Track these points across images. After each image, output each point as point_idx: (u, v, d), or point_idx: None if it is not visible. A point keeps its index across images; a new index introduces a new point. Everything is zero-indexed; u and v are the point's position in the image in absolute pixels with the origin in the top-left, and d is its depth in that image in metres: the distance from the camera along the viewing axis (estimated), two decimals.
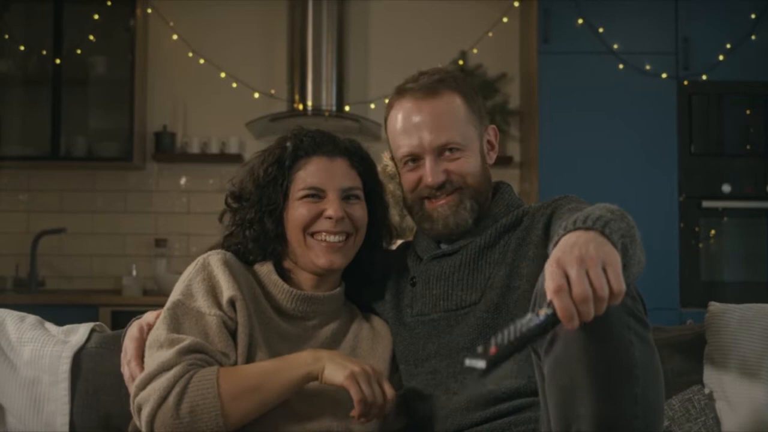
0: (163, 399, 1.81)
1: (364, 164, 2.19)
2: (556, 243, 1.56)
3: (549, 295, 1.42)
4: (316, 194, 2.09)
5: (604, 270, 1.44)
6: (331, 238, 2.08)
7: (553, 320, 1.41)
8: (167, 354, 1.87)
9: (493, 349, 1.37)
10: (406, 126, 2.13)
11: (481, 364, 1.36)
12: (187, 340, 1.90)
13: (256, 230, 2.10)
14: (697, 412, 2.19)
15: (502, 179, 2.31)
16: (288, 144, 2.13)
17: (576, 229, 1.56)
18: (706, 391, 2.23)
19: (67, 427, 2.20)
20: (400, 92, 2.17)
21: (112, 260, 5.79)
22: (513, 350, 1.38)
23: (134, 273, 5.59)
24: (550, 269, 1.44)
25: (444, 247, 2.17)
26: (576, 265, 1.43)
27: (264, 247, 2.12)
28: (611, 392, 1.57)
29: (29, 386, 2.22)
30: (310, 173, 2.10)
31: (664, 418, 1.69)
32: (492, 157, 2.22)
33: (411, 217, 2.23)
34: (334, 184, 2.10)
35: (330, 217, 2.06)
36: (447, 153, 2.11)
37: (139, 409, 1.85)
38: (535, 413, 1.88)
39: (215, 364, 1.90)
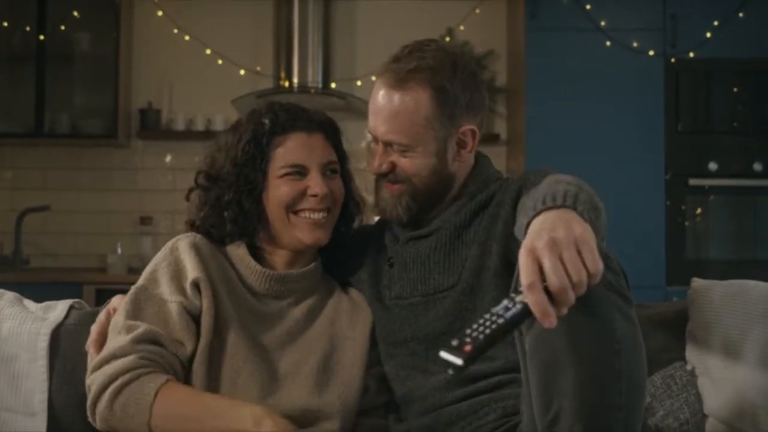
0: (105, 387, 1.82)
1: (336, 137, 2.17)
2: (528, 225, 1.55)
3: (523, 289, 1.39)
4: (299, 171, 2.06)
5: (579, 251, 1.42)
6: (315, 215, 2.06)
7: (527, 312, 1.39)
8: (121, 341, 1.88)
9: (468, 347, 1.34)
10: (372, 108, 2.10)
11: (458, 361, 1.33)
12: (142, 327, 1.89)
13: (234, 211, 2.07)
14: (678, 388, 2.19)
15: (489, 157, 2.27)
16: (265, 120, 2.09)
17: (545, 209, 1.55)
18: (688, 367, 2.23)
19: (45, 404, 2.18)
20: (381, 71, 2.10)
21: (97, 238, 5.77)
22: (488, 345, 1.36)
23: (119, 251, 5.56)
24: (522, 260, 1.42)
25: (420, 227, 2.14)
26: (548, 252, 1.40)
27: (242, 228, 2.09)
28: (594, 368, 1.56)
29: (7, 363, 2.20)
30: (290, 150, 2.07)
31: (647, 394, 1.68)
32: (464, 156, 2.11)
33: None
34: (315, 160, 2.07)
35: (315, 195, 2.04)
36: (394, 148, 2.06)
37: (88, 389, 1.86)
38: (514, 390, 1.88)
39: (168, 356, 1.89)
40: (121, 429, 1.82)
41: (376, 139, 2.10)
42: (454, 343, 1.36)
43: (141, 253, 5.52)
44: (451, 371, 1.35)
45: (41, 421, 2.18)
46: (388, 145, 2.07)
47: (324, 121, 2.15)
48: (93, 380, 1.85)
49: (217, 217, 2.09)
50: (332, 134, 2.15)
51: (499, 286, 1.93)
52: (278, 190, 2.06)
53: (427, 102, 2.03)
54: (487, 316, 1.40)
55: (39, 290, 2.88)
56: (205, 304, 1.96)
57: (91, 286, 5.01)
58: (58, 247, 5.76)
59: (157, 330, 1.90)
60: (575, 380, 1.56)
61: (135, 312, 1.94)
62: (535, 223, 1.52)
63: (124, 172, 5.82)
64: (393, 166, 2.08)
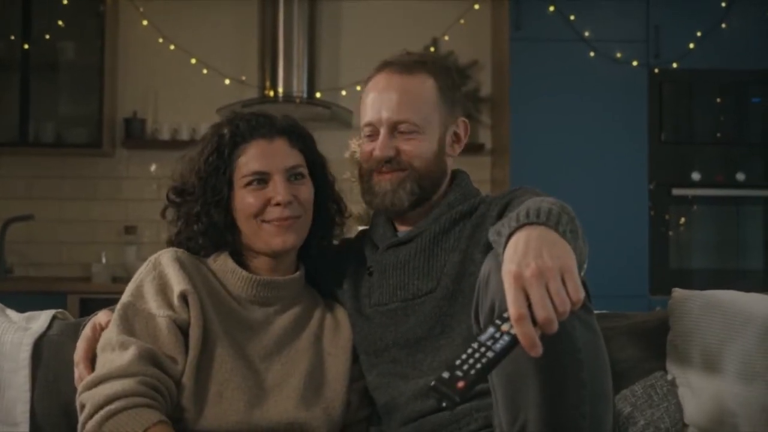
0: (101, 407, 1.79)
1: (303, 141, 2.16)
2: (508, 237, 1.56)
3: (512, 322, 1.40)
4: (261, 179, 2.05)
5: (563, 278, 1.43)
6: (285, 222, 2.06)
7: (515, 342, 1.40)
8: (120, 359, 1.85)
9: (461, 384, 1.35)
10: (373, 98, 2.13)
11: (454, 397, 1.35)
12: (137, 346, 1.87)
13: (204, 223, 2.07)
14: (659, 398, 2.20)
15: (472, 167, 2.31)
16: (225, 131, 2.09)
17: (528, 223, 1.56)
18: (669, 377, 2.24)
19: (27, 415, 2.17)
20: (380, 66, 2.17)
21: (82, 247, 5.75)
22: (480, 379, 1.38)
23: (104, 260, 5.56)
24: (509, 289, 1.43)
25: (400, 234, 2.16)
26: (536, 283, 1.41)
27: (215, 239, 2.10)
28: (557, 378, 1.58)
29: None
30: (251, 158, 2.06)
31: (613, 403, 1.69)
32: (455, 150, 2.20)
33: (361, 190, 2.21)
34: (276, 166, 2.06)
35: (278, 203, 2.04)
36: (401, 131, 2.10)
37: (82, 408, 1.83)
38: None
39: (165, 380, 1.87)
40: None
41: (374, 131, 2.12)
42: (445, 375, 1.37)
43: (125, 263, 5.51)
44: (444, 404, 1.37)
45: None
46: (393, 129, 2.10)
47: (288, 126, 2.14)
48: (88, 398, 1.82)
49: (190, 231, 2.10)
50: (297, 139, 2.14)
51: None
52: (243, 201, 2.06)
53: (433, 87, 2.14)
54: (475, 346, 1.41)
55: (23, 300, 2.88)
56: (193, 316, 1.95)
57: (75, 295, 5.00)
58: (43, 257, 5.74)
59: (152, 348, 1.88)
60: (539, 391, 1.58)
61: (126, 327, 1.92)
62: (519, 240, 1.52)
63: (109, 182, 5.81)
64: (396, 152, 2.10)
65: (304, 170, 2.13)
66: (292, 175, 2.09)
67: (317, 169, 2.19)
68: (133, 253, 5.59)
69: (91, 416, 1.79)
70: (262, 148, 2.07)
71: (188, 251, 2.10)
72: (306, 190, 2.11)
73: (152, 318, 1.94)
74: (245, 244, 2.11)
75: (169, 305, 1.96)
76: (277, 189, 2.04)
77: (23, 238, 5.65)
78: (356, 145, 2.50)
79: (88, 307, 4.78)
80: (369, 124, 2.13)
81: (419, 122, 2.10)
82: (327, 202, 2.22)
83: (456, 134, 2.20)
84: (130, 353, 1.85)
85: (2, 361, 2.20)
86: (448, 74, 2.20)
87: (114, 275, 5.45)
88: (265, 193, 2.05)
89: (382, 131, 2.10)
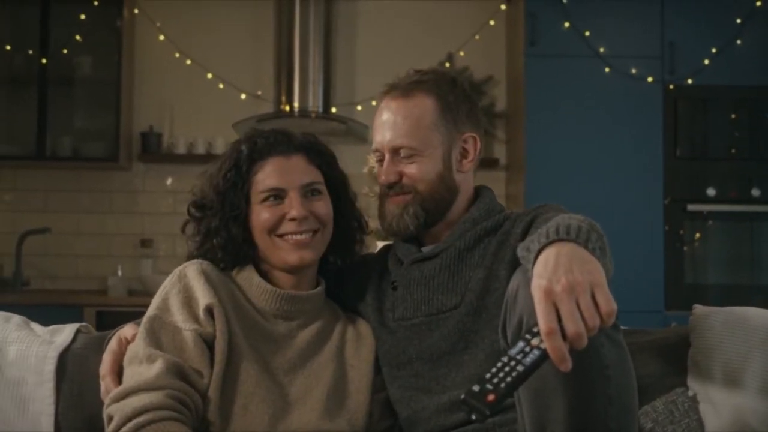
0: (129, 419, 1.79)
1: (322, 157, 2.18)
2: (538, 253, 1.57)
3: (542, 336, 1.41)
4: (277, 195, 2.08)
5: (593, 293, 1.44)
6: (298, 237, 2.07)
7: (545, 356, 1.42)
8: (149, 372, 1.87)
9: (491, 397, 1.37)
10: (378, 123, 2.17)
11: (484, 410, 1.37)
12: (164, 359, 1.88)
13: (223, 237, 2.09)
14: (680, 414, 2.20)
15: (487, 182, 2.32)
16: (243, 147, 2.12)
17: (558, 240, 1.57)
18: (690, 393, 2.24)
19: (52, 428, 2.18)
20: (385, 91, 2.20)
21: (98, 260, 5.77)
22: (510, 393, 1.39)
23: (120, 273, 5.58)
24: (539, 304, 1.44)
25: (425, 250, 2.18)
26: (566, 297, 1.42)
27: (234, 254, 2.11)
28: (584, 394, 1.58)
29: (14, 387, 2.21)
30: (267, 174, 2.09)
31: (638, 418, 1.70)
32: (465, 166, 2.19)
33: (377, 212, 2.24)
34: (293, 182, 2.09)
35: (294, 219, 2.06)
36: (402, 155, 2.12)
37: (109, 420, 1.84)
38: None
39: (192, 394, 1.88)
40: None
41: (381, 156, 2.15)
42: (476, 389, 1.39)
43: (141, 276, 5.53)
44: (474, 417, 1.38)
45: None
46: (395, 154, 2.12)
47: (306, 142, 2.17)
48: (116, 410, 1.82)
49: (210, 245, 2.11)
50: (315, 155, 2.16)
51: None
52: (260, 216, 2.08)
53: (432, 108, 2.14)
54: (505, 359, 1.42)
55: (39, 312, 2.89)
56: (219, 330, 1.96)
57: (91, 308, 5.01)
58: (59, 269, 5.77)
59: (179, 361, 1.90)
60: (566, 407, 1.58)
61: (152, 341, 1.93)
62: (549, 256, 1.53)
63: (125, 195, 5.84)
64: (400, 176, 2.12)
65: (322, 186, 2.15)
66: (308, 191, 2.11)
67: (337, 185, 2.21)
68: (149, 267, 5.61)
69: (119, 428, 1.80)
70: (280, 165, 2.10)
71: (214, 263, 2.11)
72: (323, 206, 2.13)
73: (178, 331, 1.95)
74: (265, 259, 2.13)
75: (195, 318, 1.97)
76: (293, 204, 2.07)
77: (40, 251, 5.68)
78: (374, 161, 2.52)
79: (104, 320, 4.80)
80: (376, 150, 2.18)
81: (417, 145, 2.11)
82: (348, 219, 2.24)
83: (464, 150, 2.19)
84: (157, 366, 1.87)
85: (27, 374, 2.21)
86: (452, 89, 2.18)
87: (130, 288, 5.46)
88: (281, 209, 2.07)
89: (386, 156, 2.14)
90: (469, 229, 2.14)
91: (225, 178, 2.10)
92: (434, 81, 2.17)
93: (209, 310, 1.97)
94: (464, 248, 2.11)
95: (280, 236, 2.08)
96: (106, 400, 1.88)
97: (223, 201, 2.09)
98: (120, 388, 1.87)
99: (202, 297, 1.98)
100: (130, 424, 1.78)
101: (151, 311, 2.00)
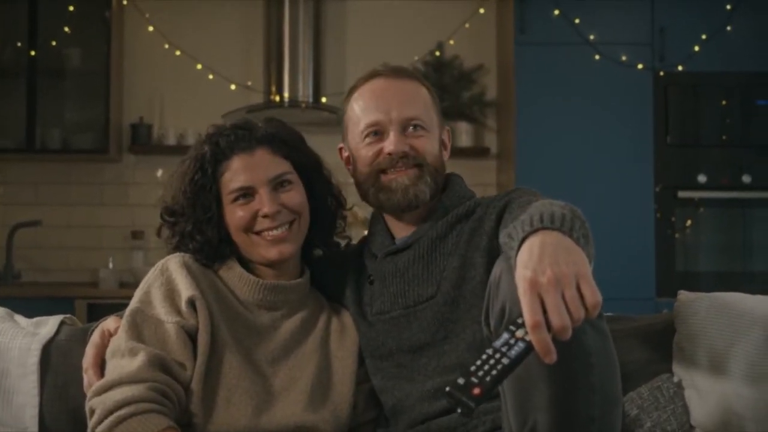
0: (111, 412, 1.79)
1: (287, 145, 2.14)
2: (522, 241, 1.56)
3: (528, 329, 1.40)
4: (246, 193, 2.06)
5: (578, 285, 1.43)
6: (274, 232, 2.06)
7: (530, 348, 1.41)
8: (130, 365, 1.86)
9: (477, 390, 1.37)
10: (373, 100, 2.14)
11: (469, 403, 1.36)
12: (146, 352, 1.88)
13: (198, 241, 2.08)
14: (665, 400, 2.20)
15: (478, 171, 2.32)
16: (206, 149, 2.09)
17: (543, 228, 1.56)
18: (675, 379, 2.24)
19: (36, 420, 2.18)
20: (369, 75, 2.20)
21: (89, 253, 5.76)
22: (495, 386, 1.39)
23: (111, 265, 5.57)
24: (524, 296, 1.43)
25: (397, 242, 2.17)
26: (552, 290, 1.41)
27: (212, 254, 2.10)
28: (567, 382, 1.58)
29: None
30: (234, 173, 2.07)
31: (622, 406, 1.69)
32: (445, 156, 2.22)
33: (362, 195, 2.19)
34: (260, 178, 2.06)
35: (266, 215, 2.04)
36: (411, 129, 2.11)
37: (91, 413, 1.83)
38: None
39: (175, 386, 1.88)
40: None
41: (379, 131, 2.12)
42: (461, 381, 1.38)
43: (132, 268, 5.52)
44: (460, 410, 1.38)
45: None
46: (404, 127, 2.11)
47: (268, 134, 2.12)
48: (98, 403, 1.82)
49: (186, 249, 2.10)
50: (279, 146, 2.12)
51: (481, 299, 1.94)
52: (233, 216, 2.07)
53: (426, 94, 2.20)
54: (490, 352, 1.42)
55: (30, 305, 2.89)
56: (201, 322, 1.95)
57: (82, 300, 5.01)
58: (50, 262, 5.75)
59: (161, 354, 1.89)
60: (549, 394, 1.58)
61: (135, 334, 1.93)
62: (533, 245, 1.52)
63: (116, 187, 5.82)
64: (410, 149, 2.11)
65: (291, 176, 2.12)
66: (277, 184, 2.08)
67: (308, 168, 2.18)
68: (141, 259, 5.60)
69: (100, 421, 1.80)
70: (244, 162, 2.07)
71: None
72: (295, 195, 2.10)
73: (161, 324, 1.95)
74: (245, 254, 2.12)
75: (177, 311, 1.96)
76: (263, 201, 2.05)
77: (30, 243, 5.67)
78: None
79: (95, 313, 4.79)
80: (374, 125, 2.12)
81: (426, 120, 2.14)
82: (325, 199, 2.22)
83: (443, 142, 2.22)
84: (139, 359, 1.86)
85: (11, 366, 2.21)
86: (430, 85, 2.25)
87: (121, 280, 5.45)
88: (252, 207, 2.06)
89: (393, 130, 2.11)
90: (441, 217, 2.13)
91: (192, 182, 2.07)
92: (417, 74, 2.24)
93: (192, 303, 1.97)
94: (437, 237, 2.10)
95: (257, 233, 2.07)
96: (89, 393, 1.88)
97: (194, 205, 2.07)
98: (102, 381, 1.87)
99: (185, 289, 1.98)
100: (111, 417, 1.79)
101: (133, 304, 2.00)
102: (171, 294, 1.99)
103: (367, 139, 2.14)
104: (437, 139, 2.17)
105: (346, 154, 2.25)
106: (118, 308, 2.21)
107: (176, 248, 2.11)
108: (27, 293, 5.10)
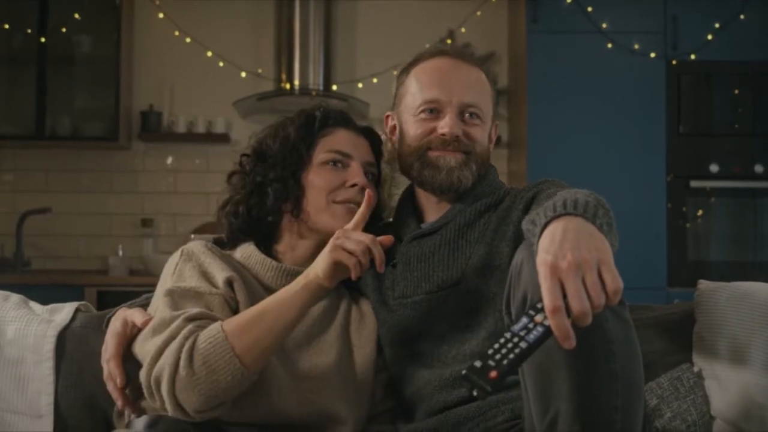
0: (177, 362, 1.72)
1: (378, 149, 2.24)
2: (544, 226, 1.55)
3: (547, 313, 1.39)
4: (341, 160, 2.11)
5: (599, 270, 1.42)
6: (352, 205, 2.08)
7: (549, 333, 1.40)
8: (172, 325, 1.79)
9: (493, 373, 1.36)
10: (437, 77, 2.14)
11: (486, 387, 1.36)
12: (193, 310, 1.83)
13: (278, 188, 2.08)
14: (686, 390, 2.19)
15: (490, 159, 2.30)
16: (317, 113, 2.16)
17: (565, 213, 1.55)
18: (695, 369, 2.23)
19: (51, 407, 2.18)
20: (435, 52, 2.20)
21: (99, 240, 5.76)
22: (512, 370, 1.38)
23: (120, 253, 5.56)
24: (545, 280, 1.42)
25: (424, 226, 2.16)
26: (572, 275, 1.40)
27: (245, 229, 2.11)
28: (589, 370, 1.56)
29: (13, 366, 2.20)
30: (338, 139, 2.14)
31: (643, 394, 1.68)
32: (490, 148, 2.22)
33: (405, 169, 2.19)
34: (360, 155, 2.14)
35: (355, 184, 2.09)
36: (467, 116, 2.12)
37: (158, 384, 1.75)
38: None
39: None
40: (210, 389, 1.73)
41: (436, 108, 2.12)
42: (478, 364, 1.38)
43: (142, 255, 5.52)
44: (476, 393, 1.37)
45: (48, 423, 2.18)
46: (461, 112, 2.11)
47: (370, 129, 2.25)
48: (159, 370, 1.74)
49: (256, 197, 2.10)
50: (374, 144, 2.22)
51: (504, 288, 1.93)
52: (319, 177, 2.10)
53: (488, 84, 2.21)
54: (508, 336, 1.41)
55: (40, 292, 2.88)
56: (242, 299, 1.93)
57: (92, 288, 5.00)
58: (60, 250, 5.76)
59: (206, 311, 1.84)
60: (571, 382, 1.56)
61: (177, 307, 1.86)
62: (555, 230, 1.51)
63: (125, 174, 5.82)
64: (464, 134, 2.11)
65: (375, 172, 2.21)
66: (369, 173, 2.15)
67: (378, 177, 2.25)
68: (150, 246, 5.61)
69: (174, 375, 1.72)
70: (349, 137, 2.17)
71: (217, 243, 2.11)
72: (375, 192, 2.13)
73: (201, 296, 1.90)
74: (301, 224, 2.11)
75: (216, 287, 1.93)
76: (356, 172, 2.10)
77: (40, 231, 5.67)
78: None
79: (105, 300, 4.79)
80: (433, 101, 2.12)
81: (484, 110, 2.15)
82: (378, 210, 2.26)
83: (490, 134, 2.22)
84: (181, 317, 1.81)
85: (26, 353, 2.21)
86: (491, 80, 2.25)
87: (131, 268, 5.46)
88: (342, 175, 2.11)
89: (450, 112, 2.10)
90: (470, 204, 2.12)
91: (296, 131, 2.12)
92: (482, 63, 2.23)
93: (229, 283, 1.95)
94: (464, 224, 2.09)
95: (337, 202, 2.09)
96: (145, 367, 1.78)
97: (287, 154, 2.11)
98: (153, 351, 1.77)
99: (219, 271, 1.96)
100: (180, 365, 1.72)
101: (167, 285, 1.94)
102: (205, 275, 1.96)
103: (422, 115, 2.14)
104: (488, 130, 2.18)
105: (392, 122, 2.25)
106: (127, 296, 2.19)
107: (242, 198, 2.11)
108: (37, 281, 5.10)
